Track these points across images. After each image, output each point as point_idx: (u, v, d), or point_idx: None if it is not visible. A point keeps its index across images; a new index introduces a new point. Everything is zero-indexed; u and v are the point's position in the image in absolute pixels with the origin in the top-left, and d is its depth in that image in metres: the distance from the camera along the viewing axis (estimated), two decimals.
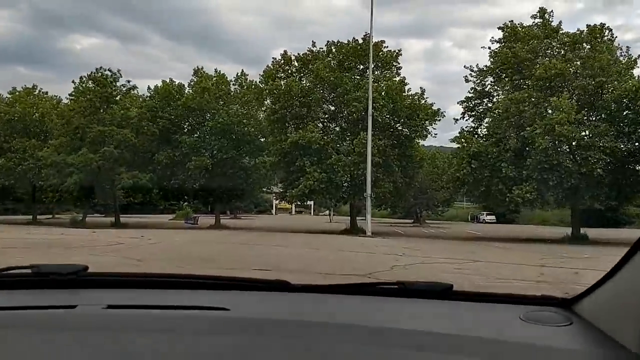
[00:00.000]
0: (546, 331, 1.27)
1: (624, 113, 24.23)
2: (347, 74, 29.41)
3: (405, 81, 29.58)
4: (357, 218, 32.28)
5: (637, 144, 24.85)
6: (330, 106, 31.05)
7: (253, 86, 32.23)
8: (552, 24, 26.57)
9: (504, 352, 1.13)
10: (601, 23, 25.92)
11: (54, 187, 31.59)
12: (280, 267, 9.73)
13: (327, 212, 66.90)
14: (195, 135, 33.08)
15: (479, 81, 27.65)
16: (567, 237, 25.88)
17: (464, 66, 28.16)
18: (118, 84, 33.21)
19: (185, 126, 33.73)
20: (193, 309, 1.36)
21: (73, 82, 33.64)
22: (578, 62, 25.16)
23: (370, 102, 26.18)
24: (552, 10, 26.61)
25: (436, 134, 30.50)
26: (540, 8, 26.67)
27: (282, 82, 29.79)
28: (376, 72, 29.05)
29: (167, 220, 45.07)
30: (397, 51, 30.22)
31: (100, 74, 32.64)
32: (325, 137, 29.44)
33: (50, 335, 1.16)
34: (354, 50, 29.81)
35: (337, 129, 31.52)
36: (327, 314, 1.41)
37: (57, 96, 39.03)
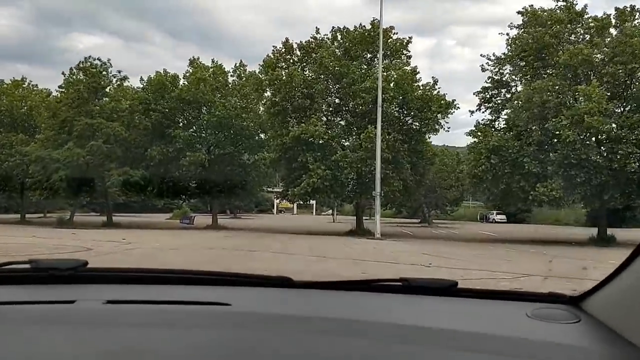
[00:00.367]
0: (554, 328, 1.25)
1: None
2: (353, 63, 27.25)
3: (417, 70, 27.38)
4: (362, 218, 30.23)
5: None
6: (335, 98, 28.91)
7: (252, 77, 30.06)
8: (577, 7, 24.44)
9: (510, 349, 1.10)
10: (631, 5, 23.78)
11: (38, 185, 29.49)
12: None
13: (330, 211, 64.93)
14: (191, 129, 31.21)
15: (497, 70, 25.54)
16: (593, 239, 23.82)
17: (480, 54, 26.11)
18: (109, 75, 31.15)
19: (180, 120, 31.77)
20: (194, 304, 1.35)
21: (63, 73, 31.66)
22: (606, 48, 23.01)
23: (380, 92, 24.05)
24: None
25: (449, 128, 28.40)
26: None
27: (283, 72, 27.67)
28: (385, 61, 26.88)
29: (164, 220, 43.23)
30: (407, 38, 28.13)
31: (89, 63, 30.59)
32: (330, 132, 27.35)
33: (49, 330, 1.15)
34: (362, 37, 27.66)
35: (343, 122, 29.38)
36: (329, 310, 1.40)
37: (47, 89, 37.14)
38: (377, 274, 9.91)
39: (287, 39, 28.38)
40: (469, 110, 26.39)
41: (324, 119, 28.59)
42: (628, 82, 22.70)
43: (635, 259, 1.17)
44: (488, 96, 26.02)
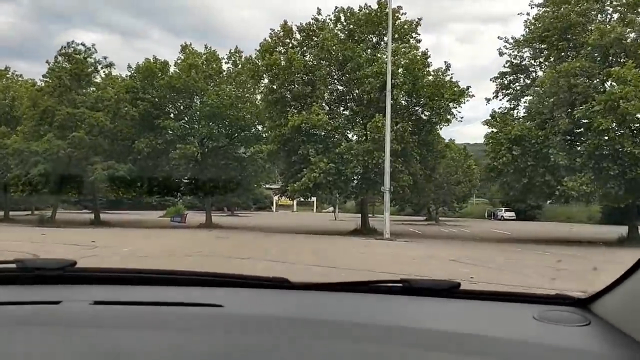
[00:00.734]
0: (563, 331, 1.20)
1: None
2: (359, 46, 24.90)
3: (428, 53, 25.00)
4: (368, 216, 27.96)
5: None
6: (338, 85, 26.56)
7: (249, 63, 27.67)
8: None
9: (517, 352, 1.05)
10: None
11: (16, 180, 27.18)
12: None
13: (331, 209, 62.65)
14: (182, 120, 28.91)
15: (516, 53, 23.26)
16: (623, 239, 21.58)
17: (498, 37, 23.82)
18: (95, 62, 28.77)
19: (170, 110, 29.43)
20: (185, 305, 1.30)
21: (47, 62, 29.27)
22: None
23: (389, 77, 21.71)
24: None
25: (462, 118, 26.06)
26: None
27: (282, 57, 25.31)
28: (392, 45, 24.52)
29: (157, 218, 40.97)
30: (417, 20, 25.75)
31: (72, 49, 28.24)
32: (333, 121, 25.02)
33: (33, 332, 1.11)
34: (367, 19, 25.26)
35: (347, 112, 27.02)
36: (327, 312, 1.36)
37: (32, 79, 34.83)
38: None
39: (285, 22, 26.03)
40: (485, 98, 24.18)
41: (327, 107, 26.26)
42: None
43: None
44: (506, 82, 23.76)
